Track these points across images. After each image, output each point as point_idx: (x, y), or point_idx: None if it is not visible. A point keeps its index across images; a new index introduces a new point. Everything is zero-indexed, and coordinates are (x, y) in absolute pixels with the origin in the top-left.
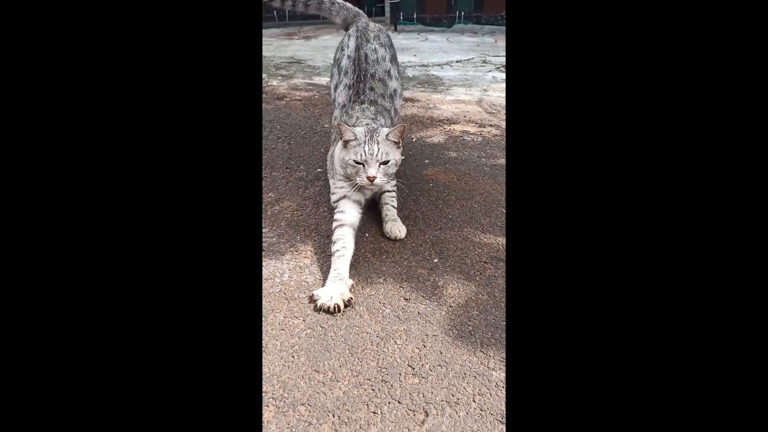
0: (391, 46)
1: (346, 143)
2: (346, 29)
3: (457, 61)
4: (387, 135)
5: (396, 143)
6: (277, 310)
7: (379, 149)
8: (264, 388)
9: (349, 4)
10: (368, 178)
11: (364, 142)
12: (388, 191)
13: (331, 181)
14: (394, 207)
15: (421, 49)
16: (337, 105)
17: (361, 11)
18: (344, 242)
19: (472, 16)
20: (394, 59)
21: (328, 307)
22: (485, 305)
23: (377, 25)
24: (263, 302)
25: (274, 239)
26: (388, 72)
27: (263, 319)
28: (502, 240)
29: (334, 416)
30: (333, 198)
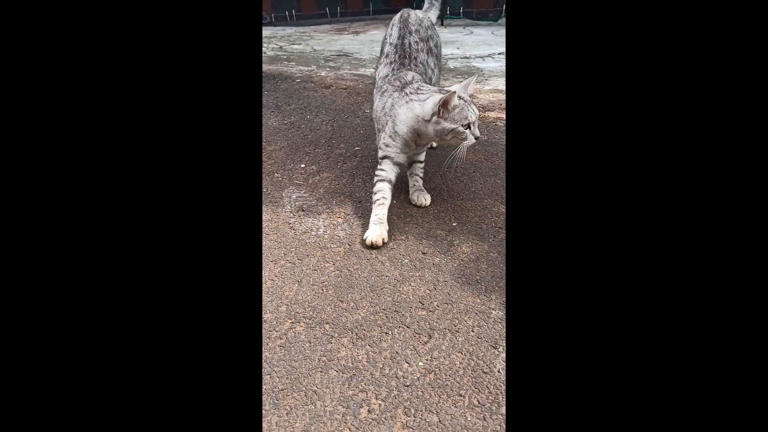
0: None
1: (444, 111)
2: None
3: (499, 53)
4: (466, 91)
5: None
6: (311, 256)
7: (473, 108)
8: (297, 310)
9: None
10: (476, 137)
11: (468, 103)
12: (418, 162)
13: (380, 136)
14: (421, 178)
15: (464, 42)
16: (379, 78)
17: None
18: (384, 193)
19: None
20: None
21: (372, 242)
22: (494, 261)
23: (418, 15)
24: (301, 250)
25: (313, 202)
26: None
27: (300, 261)
28: None
29: (352, 333)
30: (380, 153)
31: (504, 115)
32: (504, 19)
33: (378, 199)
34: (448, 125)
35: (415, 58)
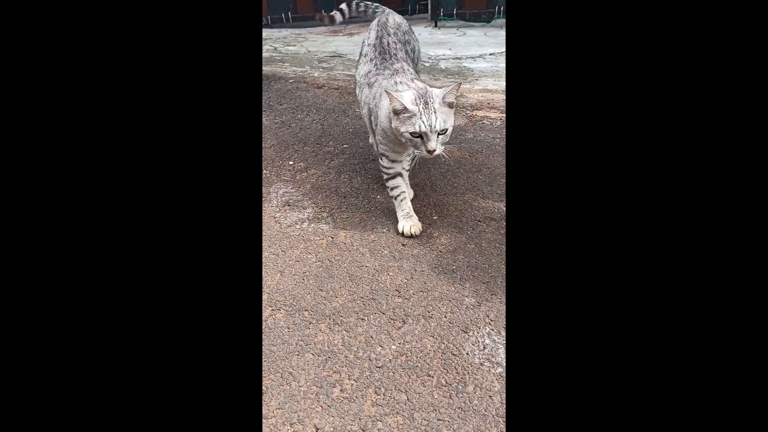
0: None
1: (396, 113)
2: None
3: (490, 54)
4: (443, 97)
5: (451, 105)
6: (294, 248)
7: (437, 118)
8: (278, 298)
9: (374, 4)
10: (428, 151)
11: (420, 111)
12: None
13: (372, 133)
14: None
15: (456, 43)
16: (359, 77)
17: (383, 9)
18: (401, 188)
19: None
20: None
21: (412, 233)
22: (471, 252)
23: (396, 19)
24: (285, 242)
25: (299, 197)
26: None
27: (284, 253)
28: (499, 204)
29: (329, 319)
30: (378, 149)
31: (491, 114)
32: (497, 20)
33: (398, 195)
34: (399, 127)
35: (395, 55)
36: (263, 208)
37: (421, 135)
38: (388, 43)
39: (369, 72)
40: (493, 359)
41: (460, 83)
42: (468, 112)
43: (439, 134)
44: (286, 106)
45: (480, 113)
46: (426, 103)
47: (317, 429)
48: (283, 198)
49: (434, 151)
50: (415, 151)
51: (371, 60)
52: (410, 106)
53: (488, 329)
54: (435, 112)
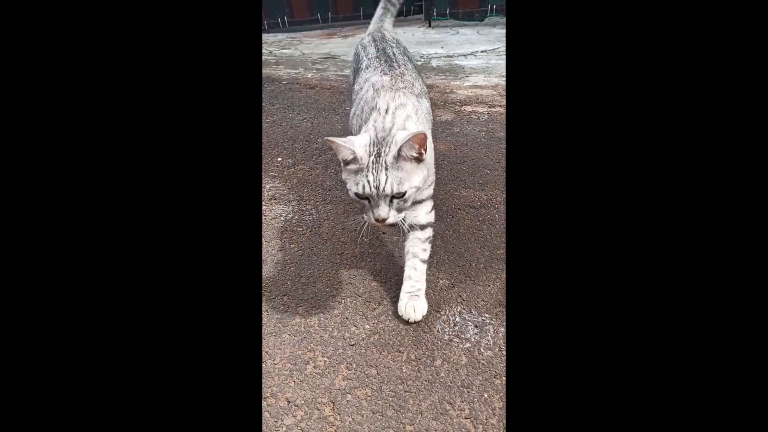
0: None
1: (345, 162)
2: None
3: (481, 51)
4: (400, 150)
5: (416, 157)
6: (278, 238)
7: (387, 178)
8: (264, 285)
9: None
10: (376, 219)
11: (367, 166)
12: (419, 227)
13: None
14: (422, 262)
15: (449, 42)
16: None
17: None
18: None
19: (504, 9)
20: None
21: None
22: (449, 238)
23: (392, 34)
24: (269, 233)
25: (285, 191)
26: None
27: (267, 243)
28: (479, 193)
29: (307, 303)
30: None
31: (479, 109)
32: (490, 18)
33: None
34: (346, 183)
35: (404, 65)
36: None
37: (367, 197)
38: (393, 53)
39: (368, 79)
40: (462, 336)
41: (424, 135)
42: (457, 107)
43: (393, 198)
44: (278, 106)
45: (468, 108)
46: (379, 154)
47: (289, 401)
48: (270, 192)
49: (384, 220)
50: (363, 216)
51: (375, 69)
52: (361, 153)
53: (459, 308)
54: (386, 169)
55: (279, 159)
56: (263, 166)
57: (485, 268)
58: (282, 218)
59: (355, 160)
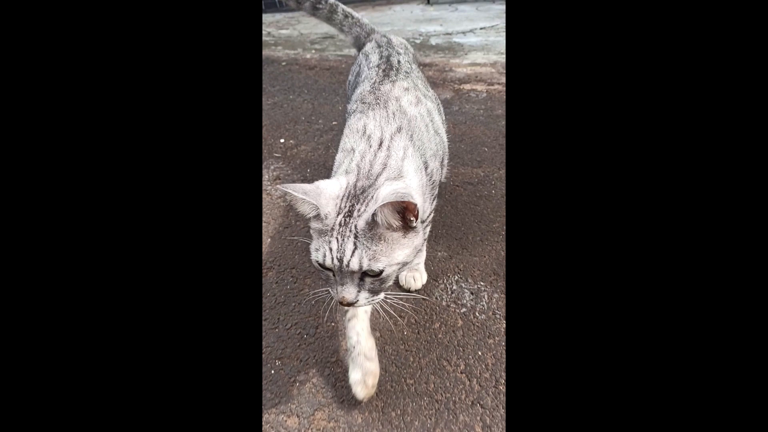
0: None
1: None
2: (359, 49)
3: (480, 28)
4: (375, 215)
5: (406, 224)
6: (284, 216)
7: (356, 249)
8: (269, 259)
9: (364, 21)
10: (339, 301)
11: (332, 228)
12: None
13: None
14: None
15: (448, 19)
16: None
17: (375, 29)
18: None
19: None
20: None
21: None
22: (447, 213)
23: (401, 39)
24: (275, 212)
25: (289, 172)
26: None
27: (274, 221)
28: (477, 170)
29: (315, 275)
30: None
31: (478, 87)
32: None
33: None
34: (310, 245)
35: (407, 72)
36: None
37: (330, 269)
38: (399, 61)
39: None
40: (459, 302)
41: (413, 204)
42: (455, 86)
43: (364, 275)
44: (278, 88)
45: (467, 86)
46: (350, 213)
47: (300, 360)
48: (274, 173)
49: (348, 302)
50: (330, 289)
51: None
52: (327, 209)
53: (457, 277)
54: (354, 237)
55: (282, 140)
56: (267, 147)
57: (481, 240)
58: (287, 197)
59: (318, 217)
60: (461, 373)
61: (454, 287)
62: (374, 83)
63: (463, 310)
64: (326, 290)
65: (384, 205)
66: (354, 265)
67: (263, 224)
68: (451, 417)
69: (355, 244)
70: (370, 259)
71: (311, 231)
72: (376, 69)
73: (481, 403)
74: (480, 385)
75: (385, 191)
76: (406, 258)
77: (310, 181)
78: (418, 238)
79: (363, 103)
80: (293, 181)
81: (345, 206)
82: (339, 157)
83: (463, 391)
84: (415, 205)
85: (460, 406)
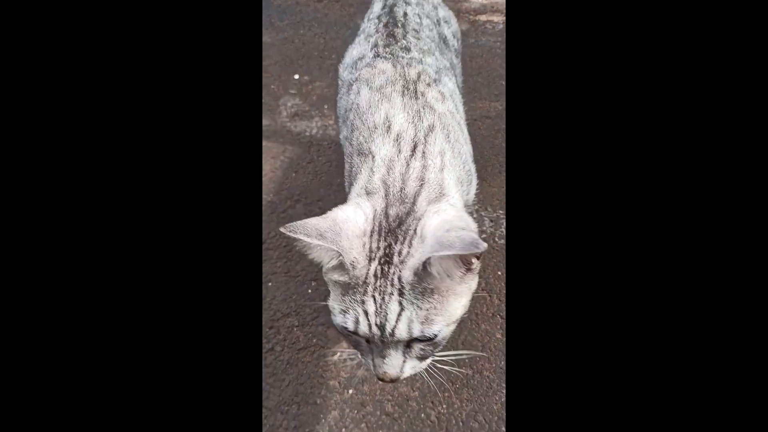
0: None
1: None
2: None
3: None
4: (428, 263)
5: (467, 265)
6: (306, 151)
7: (403, 311)
8: (295, 192)
9: None
10: (380, 377)
11: (365, 281)
12: None
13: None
14: None
15: None
16: (344, 67)
17: None
18: None
19: None
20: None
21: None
22: None
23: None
24: (297, 147)
25: (307, 108)
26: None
27: (298, 156)
28: (495, 104)
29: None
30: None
31: (494, 18)
32: None
33: None
34: (329, 302)
35: (416, 30)
36: (276, 119)
37: (365, 338)
38: (405, 12)
39: (362, 57)
40: (480, 228)
41: (483, 245)
42: (471, 16)
43: (410, 342)
44: (287, 23)
45: (483, 17)
46: (389, 258)
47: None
48: (292, 109)
49: (391, 378)
50: (361, 358)
51: (368, 37)
52: (353, 255)
53: (477, 207)
54: (400, 294)
55: (296, 76)
56: (282, 84)
57: (499, 172)
58: (307, 133)
59: (342, 266)
60: (482, 290)
61: (475, 216)
62: (380, 57)
63: (483, 236)
64: (353, 352)
65: (446, 256)
66: (402, 332)
67: (288, 160)
68: (474, 326)
69: (401, 303)
70: (422, 323)
71: (328, 281)
72: (375, 21)
73: (501, 314)
74: (499, 300)
75: (433, 225)
76: (464, 309)
77: (328, 116)
78: (475, 279)
79: (362, 80)
80: (311, 117)
81: (378, 247)
82: (352, 161)
83: (485, 305)
84: (485, 246)
85: (482, 317)
